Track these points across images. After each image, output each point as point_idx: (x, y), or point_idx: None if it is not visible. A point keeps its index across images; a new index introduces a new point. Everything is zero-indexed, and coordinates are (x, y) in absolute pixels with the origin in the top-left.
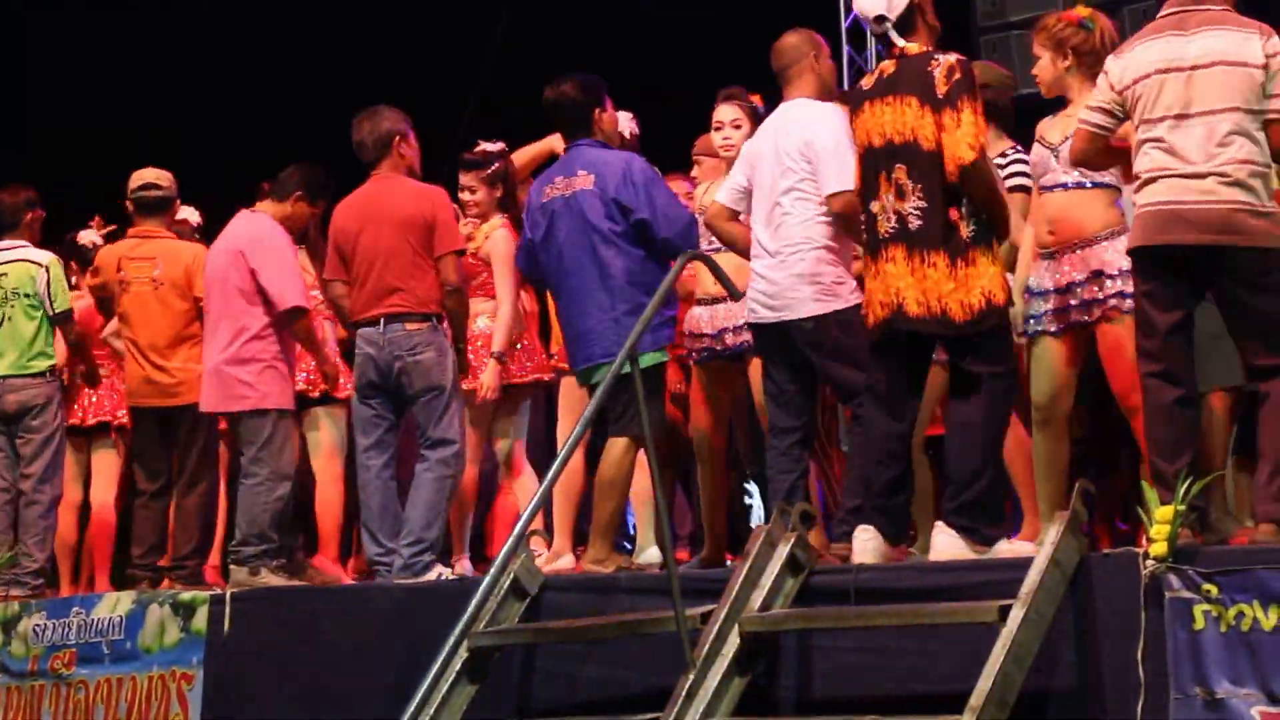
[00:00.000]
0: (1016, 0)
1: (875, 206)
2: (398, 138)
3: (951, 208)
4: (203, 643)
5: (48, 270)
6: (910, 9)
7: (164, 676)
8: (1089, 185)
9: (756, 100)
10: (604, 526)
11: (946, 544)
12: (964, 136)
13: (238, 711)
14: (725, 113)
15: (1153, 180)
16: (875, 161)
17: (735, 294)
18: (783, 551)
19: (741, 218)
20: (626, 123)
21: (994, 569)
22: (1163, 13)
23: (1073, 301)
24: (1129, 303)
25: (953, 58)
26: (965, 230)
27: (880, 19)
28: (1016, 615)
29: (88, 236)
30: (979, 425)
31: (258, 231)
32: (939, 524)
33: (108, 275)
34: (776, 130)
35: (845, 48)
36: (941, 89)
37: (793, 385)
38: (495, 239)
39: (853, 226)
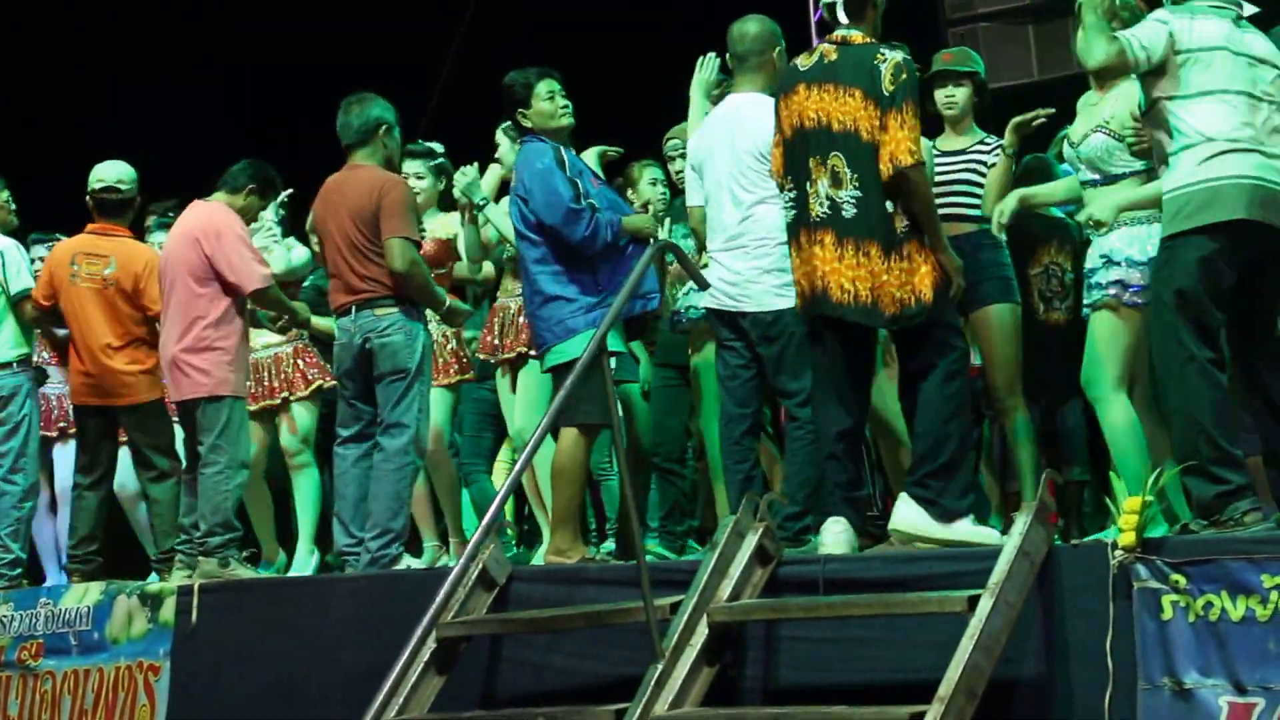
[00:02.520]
0: None
1: (806, 188)
2: (384, 127)
3: (888, 200)
4: (170, 634)
5: (2, 255)
6: None
7: (131, 668)
8: (1100, 182)
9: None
10: (563, 517)
11: (907, 515)
12: (905, 139)
13: (205, 703)
14: None
15: (1233, 151)
16: (806, 144)
17: (703, 283)
18: (751, 541)
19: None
20: None
21: (963, 559)
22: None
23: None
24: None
25: (899, 56)
26: (899, 224)
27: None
28: (985, 605)
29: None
30: (936, 401)
31: (212, 220)
32: (902, 494)
33: (56, 270)
34: (731, 124)
35: (815, 40)
36: (888, 86)
37: (745, 371)
38: None
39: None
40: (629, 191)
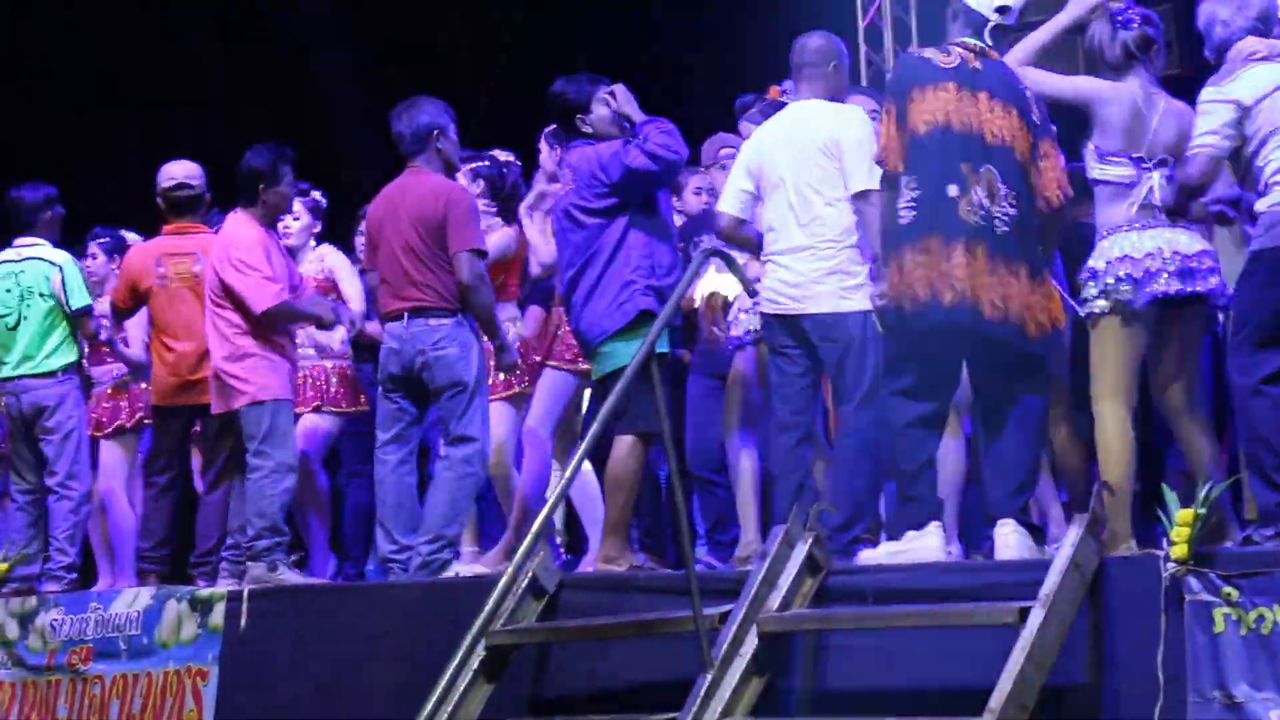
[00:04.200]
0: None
1: (953, 191)
2: (436, 131)
3: (1035, 221)
4: (219, 639)
5: (62, 269)
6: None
7: (179, 673)
8: None
9: (774, 92)
10: (614, 524)
11: (1019, 542)
12: (1059, 175)
13: (252, 709)
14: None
15: None
16: (952, 146)
17: (752, 290)
18: (801, 551)
19: (747, 221)
20: None
21: (1012, 570)
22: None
23: None
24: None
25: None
26: (1041, 248)
27: (1005, 9)
28: (1037, 617)
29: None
30: (1038, 427)
31: (229, 237)
32: (1008, 522)
33: (139, 273)
34: (793, 126)
35: (863, 47)
36: (1037, 115)
37: (801, 379)
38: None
39: (873, 225)
40: (674, 199)
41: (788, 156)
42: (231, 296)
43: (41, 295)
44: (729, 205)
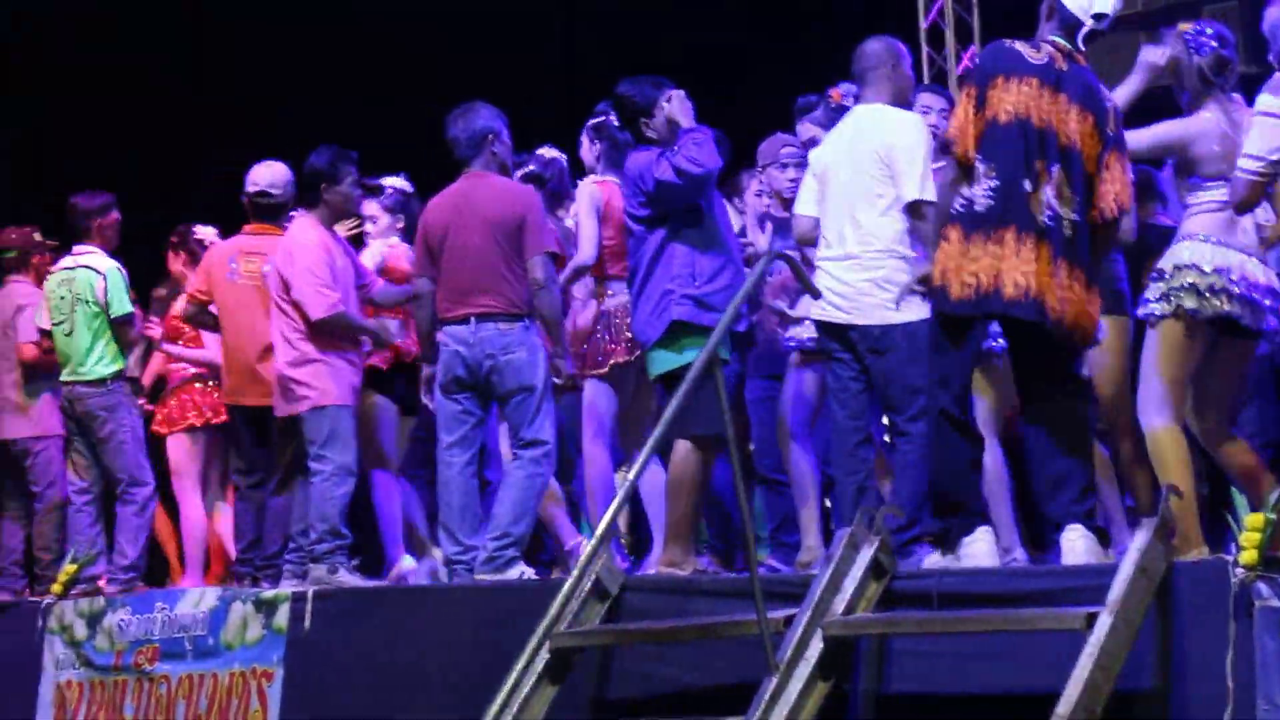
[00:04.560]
0: None
1: (1027, 186)
2: (491, 135)
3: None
4: (284, 640)
5: (105, 277)
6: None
7: (245, 673)
8: None
9: (836, 96)
10: (678, 529)
11: (1085, 546)
12: (1120, 190)
13: (317, 709)
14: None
15: None
16: (1030, 141)
17: (816, 293)
18: (865, 555)
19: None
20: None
21: (1079, 575)
22: None
23: None
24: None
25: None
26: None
27: (1102, 16)
28: (1104, 623)
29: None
30: (1085, 428)
31: (290, 241)
32: (1076, 526)
33: (213, 271)
34: (853, 133)
35: (924, 48)
36: (1112, 127)
37: (855, 384)
38: None
39: (926, 235)
40: (735, 200)
41: (845, 163)
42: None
43: (87, 303)
44: (805, 208)
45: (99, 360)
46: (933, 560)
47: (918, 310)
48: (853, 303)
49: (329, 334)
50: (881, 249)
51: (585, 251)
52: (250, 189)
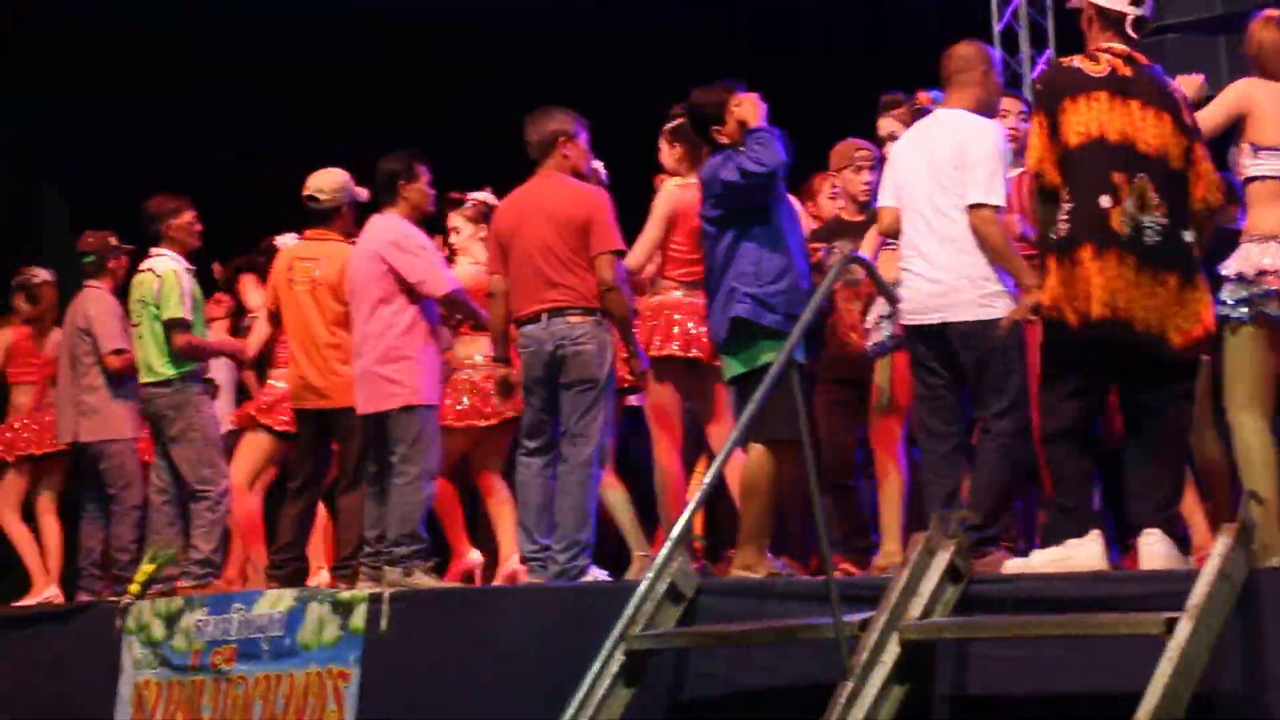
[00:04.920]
0: (1175, 3)
1: (1106, 202)
2: (562, 138)
3: (1186, 230)
4: (360, 641)
5: (162, 280)
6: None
7: (321, 674)
8: None
9: (923, 99)
10: (752, 532)
11: (1165, 551)
12: (1210, 187)
13: (393, 710)
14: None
15: None
16: (1106, 157)
17: (893, 299)
18: (942, 559)
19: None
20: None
21: (1158, 580)
22: None
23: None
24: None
25: (1183, 89)
26: (1196, 253)
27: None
28: (1184, 629)
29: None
30: (1178, 436)
31: (391, 231)
32: (1154, 532)
33: (276, 276)
34: (929, 135)
35: (998, 51)
36: (1188, 119)
37: (947, 390)
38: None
39: (992, 241)
40: (808, 203)
41: (921, 166)
42: (404, 289)
43: (147, 304)
44: (887, 199)
45: (166, 361)
46: (1013, 563)
47: (1007, 307)
48: (947, 300)
49: (430, 327)
50: (968, 250)
51: (636, 256)
52: (304, 193)
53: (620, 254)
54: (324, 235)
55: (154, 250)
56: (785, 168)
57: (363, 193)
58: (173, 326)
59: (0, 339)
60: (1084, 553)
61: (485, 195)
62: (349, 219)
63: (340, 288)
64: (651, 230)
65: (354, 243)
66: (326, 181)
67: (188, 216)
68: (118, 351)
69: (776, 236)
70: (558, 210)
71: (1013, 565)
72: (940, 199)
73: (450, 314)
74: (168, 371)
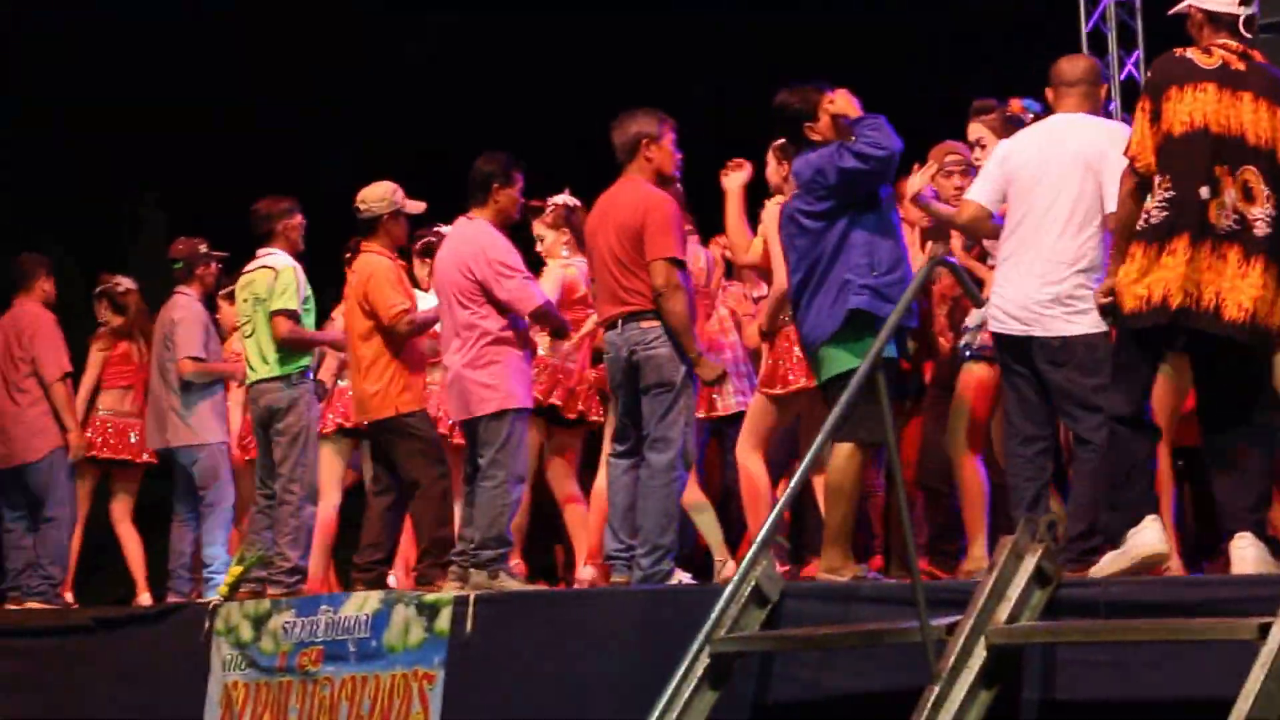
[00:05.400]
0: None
1: (1205, 193)
2: (645, 140)
3: None
4: (445, 643)
5: (278, 274)
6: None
7: (407, 676)
8: None
9: (1015, 106)
10: (836, 534)
11: (1257, 555)
12: None
13: (477, 712)
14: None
15: None
16: (1209, 148)
17: (979, 301)
18: (1030, 563)
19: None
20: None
21: (1250, 584)
22: None
23: None
24: None
25: None
26: None
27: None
28: (1278, 633)
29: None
30: (1270, 435)
31: (478, 241)
32: (1246, 535)
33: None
34: (1051, 140)
35: (1084, 48)
36: None
37: (1036, 395)
38: None
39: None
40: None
41: (1043, 170)
42: (491, 301)
43: (262, 300)
44: (979, 194)
45: (280, 357)
46: (1106, 562)
47: (1095, 322)
48: (1032, 314)
49: (520, 332)
50: (1067, 262)
51: (782, 278)
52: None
53: (676, 261)
54: (365, 247)
55: (262, 250)
56: (899, 154)
57: (415, 206)
58: (279, 315)
59: (96, 356)
60: (1143, 539)
61: (564, 197)
62: (395, 231)
63: (364, 301)
64: (779, 249)
65: (392, 256)
66: (370, 193)
67: (299, 218)
68: (193, 358)
69: (887, 226)
70: (620, 217)
71: (1094, 570)
72: (1057, 208)
73: (541, 327)
74: (280, 369)
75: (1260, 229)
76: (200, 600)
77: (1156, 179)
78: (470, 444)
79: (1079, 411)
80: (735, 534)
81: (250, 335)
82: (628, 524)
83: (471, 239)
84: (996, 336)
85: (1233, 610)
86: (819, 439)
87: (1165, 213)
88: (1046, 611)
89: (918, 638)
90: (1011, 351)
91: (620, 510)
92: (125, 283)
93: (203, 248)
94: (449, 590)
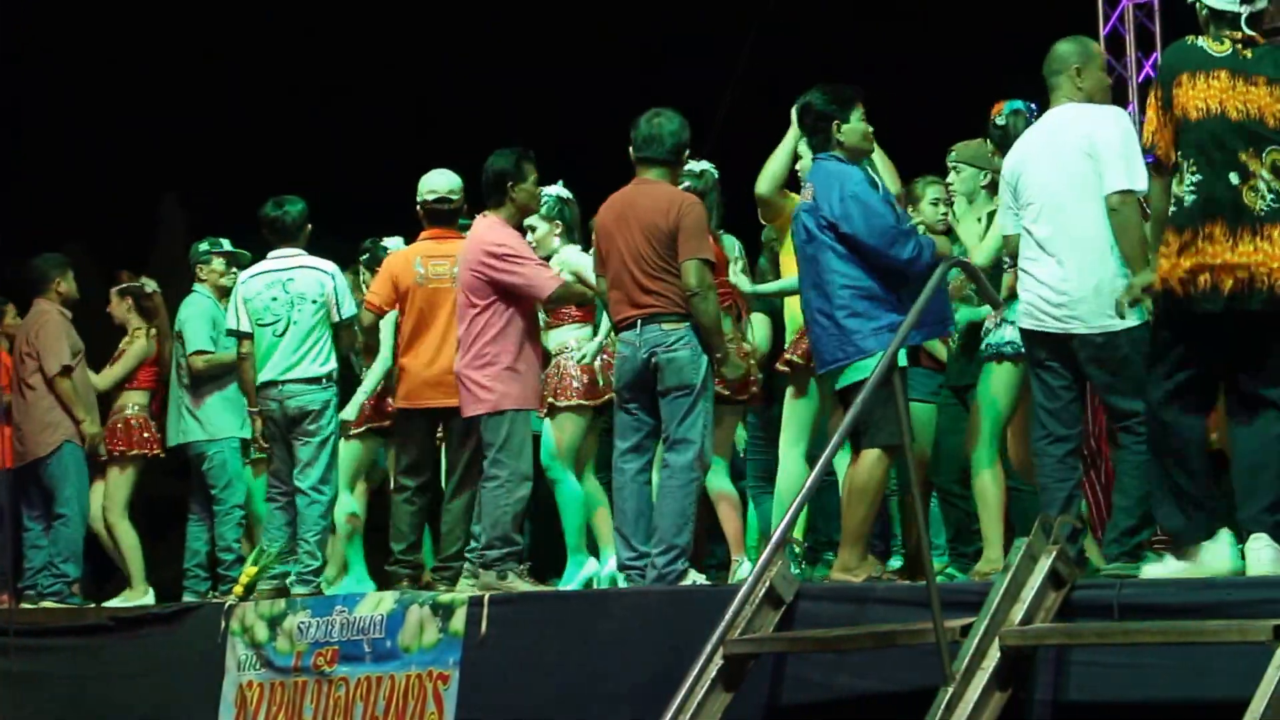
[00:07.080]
0: None
1: (1235, 179)
2: (682, 147)
3: None
4: (460, 643)
5: (334, 278)
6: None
7: (421, 676)
8: None
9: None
10: (854, 535)
11: (1272, 557)
12: None
13: (492, 712)
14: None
15: None
16: (1229, 132)
17: (996, 303)
18: (1044, 565)
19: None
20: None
21: (1264, 586)
22: None
23: None
24: None
25: None
26: None
27: None
28: None
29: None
30: None
31: (492, 237)
32: (1260, 536)
33: (400, 272)
34: (1050, 133)
35: (1104, 55)
36: None
37: (1068, 394)
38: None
39: (1129, 227)
40: (909, 209)
41: (1045, 164)
42: (500, 294)
43: (313, 302)
44: (1008, 224)
45: (316, 359)
46: (1150, 569)
47: (1139, 315)
48: (1071, 311)
49: (523, 333)
50: (1097, 249)
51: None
52: (428, 196)
53: (707, 262)
54: (450, 234)
55: (285, 250)
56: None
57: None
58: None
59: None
60: (1216, 555)
61: (557, 189)
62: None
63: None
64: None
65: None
66: (454, 183)
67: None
68: (199, 353)
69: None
70: (647, 217)
71: (1149, 571)
72: (1068, 199)
73: (562, 308)
74: (319, 370)
75: None
76: (216, 600)
77: (1182, 164)
78: (473, 442)
79: (1125, 408)
80: None
81: (281, 334)
82: (640, 530)
83: (479, 237)
84: (1027, 334)
85: (1247, 612)
86: (833, 442)
87: (1194, 195)
88: (1060, 613)
89: (931, 639)
90: (1044, 348)
91: (630, 517)
92: (150, 285)
93: (203, 246)
94: (463, 591)
